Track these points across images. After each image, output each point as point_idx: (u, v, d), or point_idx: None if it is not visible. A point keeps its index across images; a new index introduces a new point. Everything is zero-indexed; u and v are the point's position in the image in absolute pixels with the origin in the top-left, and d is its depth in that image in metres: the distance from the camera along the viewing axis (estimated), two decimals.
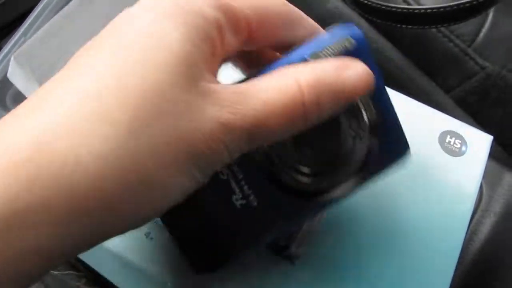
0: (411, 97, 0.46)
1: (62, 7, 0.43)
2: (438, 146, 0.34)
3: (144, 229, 0.30)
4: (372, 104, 0.26)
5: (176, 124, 0.19)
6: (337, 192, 0.27)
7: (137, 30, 0.21)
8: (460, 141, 0.35)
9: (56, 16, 0.43)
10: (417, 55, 0.52)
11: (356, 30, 0.25)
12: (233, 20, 0.22)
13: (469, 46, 0.51)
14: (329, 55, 0.24)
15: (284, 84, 0.21)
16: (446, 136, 0.35)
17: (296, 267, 0.30)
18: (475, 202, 0.44)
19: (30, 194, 0.17)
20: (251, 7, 0.23)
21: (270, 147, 0.25)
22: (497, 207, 0.45)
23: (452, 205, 0.33)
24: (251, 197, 0.25)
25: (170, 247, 0.30)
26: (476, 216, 0.45)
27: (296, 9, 0.25)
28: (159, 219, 0.29)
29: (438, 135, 0.35)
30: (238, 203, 0.25)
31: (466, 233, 0.34)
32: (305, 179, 0.26)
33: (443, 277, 0.31)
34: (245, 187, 0.25)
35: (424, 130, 0.35)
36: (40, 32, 0.43)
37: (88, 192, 0.18)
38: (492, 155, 0.35)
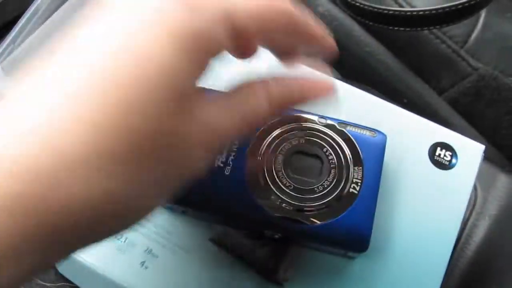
0: (404, 101, 0.46)
1: (50, 15, 0.42)
2: (427, 160, 0.34)
3: (139, 258, 0.31)
4: (361, 181, 0.30)
5: (170, 155, 0.19)
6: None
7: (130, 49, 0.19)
8: (450, 153, 0.34)
9: (45, 24, 0.42)
10: (409, 57, 0.52)
11: (383, 134, 0.32)
12: (234, 35, 0.22)
13: (461, 47, 0.50)
14: (354, 129, 0.31)
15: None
16: (437, 148, 0.35)
17: None
18: (470, 205, 0.44)
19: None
20: (255, 20, 0.22)
21: None
22: (492, 209, 0.45)
23: (440, 220, 0.33)
24: None
25: (165, 275, 0.30)
26: (471, 219, 0.45)
27: (302, 17, 0.24)
28: (153, 248, 0.31)
29: (428, 148, 0.35)
30: None
31: (461, 236, 0.34)
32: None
33: (433, 285, 0.31)
34: None
35: (414, 143, 0.35)
36: (28, 40, 0.42)
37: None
38: (486, 157, 0.35)
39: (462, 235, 0.44)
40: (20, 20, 0.44)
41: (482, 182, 0.46)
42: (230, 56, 0.37)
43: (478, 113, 0.52)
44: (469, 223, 0.45)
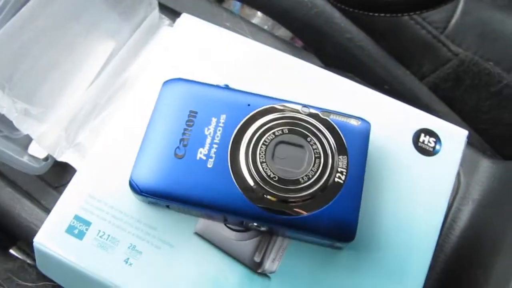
0: (385, 88, 0.46)
1: (20, 8, 0.41)
2: (412, 146, 0.34)
3: (123, 255, 0.30)
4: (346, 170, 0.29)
5: None
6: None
7: None
8: (434, 140, 0.34)
9: (15, 17, 0.40)
10: (390, 44, 0.52)
11: (367, 122, 0.31)
12: None
13: (441, 33, 0.50)
14: (338, 117, 0.30)
15: None
16: (420, 134, 0.34)
17: (273, 281, 0.30)
18: (453, 191, 0.44)
19: None
20: None
21: None
22: (475, 194, 0.46)
23: (425, 207, 0.33)
24: None
25: (150, 271, 0.30)
26: (455, 204, 0.45)
27: None
28: (136, 245, 0.30)
29: (412, 134, 0.34)
30: None
31: (445, 221, 0.34)
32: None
33: (419, 272, 0.31)
34: None
35: (398, 130, 0.34)
36: None
37: None
38: (468, 142, 0.35)
39: (447, 221, 0.44)
40: None
41: (464, 167, 0.47)
42: (209, 46, 0.36)
43: (458, 98, 0.52)
44: (453, 209, 0.45)
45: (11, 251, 0.51)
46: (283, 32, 0.73)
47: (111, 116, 0.44)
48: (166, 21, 0.49)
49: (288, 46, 0.54)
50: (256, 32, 0.53)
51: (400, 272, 0.31)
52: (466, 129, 0.35)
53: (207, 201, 0.28)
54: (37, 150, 0.45)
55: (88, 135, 0.44)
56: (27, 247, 0.50)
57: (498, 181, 0.46)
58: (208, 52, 0.36)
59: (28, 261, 0.47)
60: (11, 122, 0.43)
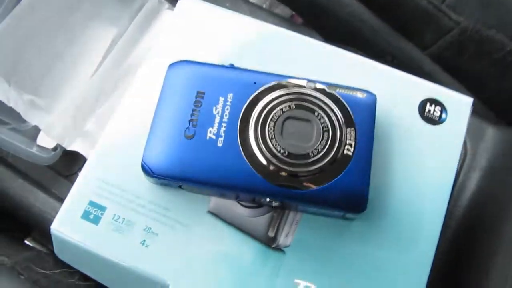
0: (388, 60, 0.46)
1: (17, 3, 0.41)
2: (418, 116, 0.34)
3: (139, 237, 0.31)
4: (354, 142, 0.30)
5: None
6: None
7: None
8: (440, 108, 0.34)
9: (16, 8, 0.41)
10: (391, 16, 0.51)
11: (373, 94, 0.31)
12: None
13: (442, 2, 0.50)
14: (344, 90, 0.31)
15: None
16: (426, 104, 0.35)
17: (288, 255, 0.30)
18: (460, 160, 0.44)
19: None
20: None
21: None
22: (482, 162, 0.46)
23: (434, 175, 0.33)
24: None
25: (166, 252, 0.30)
26: (462, 172, 0.45)
27: None
28: (152, 226, 0.31)
29: (417, 104, 0.34)
30: None
31: (453, 189, 0.34)
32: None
33: (430, 239, 0.32)
34: None
35: (404, 101, 0.35)
36: (1, 26, 0.41)
37: None
38: (472, 110, 0.36)
39: (455, 189, 0.44)
40: None
41: (470, 135, 0.47)
42: (212, 27, 0.36)
43: (462, 67, 0.52)
44: (461, 177, 0.45)
45: (26, 241, 0.52)
46: (281, 10, 0.73)
47: (117, 102, 0.44)
48: (166, 4, 0.49)
49: (288, 24, 0.54)
50: (255, 11, 0.53)
51: (412, 240, 0.31)
52: (470, 97, 0.36)
53: (219, 179, 0.29)
54: (45, 140, 0.45)
55: (96, 122, 0.44)
56: (42, 237, 0.51)
57: (504, 147, 0.46)
58: (210, 33, 0.36)
59: (44, 250, 0.48)
60: (18, 114, 0.43)
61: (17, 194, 0.45)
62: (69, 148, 0.44)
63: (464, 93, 0.36)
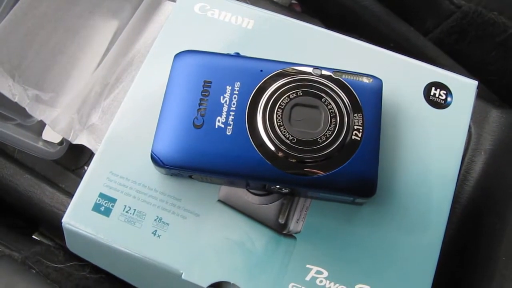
0: (391, 45, 0.46)
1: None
2: (423, 100, 0.34)
3: (150, 228, 0.31)
4: (362, 127, 0.30)
5: None
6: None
7: None
8: (445, 92, 0.35)
9: (18, 4, 0.40)
10: (392, 1, 0.51)
11: (379, 79, 0.31)
12: None
13: None
14: (350, 76, 0.31)
15: None
16: (431, 88, 0.35)
17: (299, 241, 0.31)
18: (465, 143, 0.44)
19: None
20: None
21: None
22: (486, 144, 0.46)
23: (440, 159, 0.33)
24: None
25: (178, 241, 0.31)
26: (468, 156, 0.46)
27: None
28: (163, 217, 0.31)
29: (422, 88, 0.35)
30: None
31: (459, 173, 0.35)
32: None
33: (439, 222, 0.32)
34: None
35: (409, 85, 0.35)
36: (3, 22, 0.41)
37: None
38: (477, 94, 0.36)
39: (460, 172, 0.45)
40: None
41: (474, 118, 0.47)
42: (215, 17, 0.36)
43: (464, 51, 0.52)
44: (466, 160, 0.46)
45: (34, 236, 0.52)
46: None
47: (122, 95, 0.44)
48: None
49: (289, 12, 0.54)
50: (255, 0, 0.52)
51: (421, 222, 0.32)
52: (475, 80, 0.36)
53: (228, 167, 0.29)
54: (51, 135, 0.45)
55: (101, 115, 0.44)
56: (50, 232, 0.51)
57: (509, 130, 0.47)
58: (213, 22, 0.36)
59: (53, 244, 0.48)
60: (23, 109, 0.43)
61: (24, 189, 0.45)
62: (75, 142, 0.44)
63: (467, 76, 0.36)
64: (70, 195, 0.44)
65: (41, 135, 0.45)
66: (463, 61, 0.52)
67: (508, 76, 0.52)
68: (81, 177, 0.46)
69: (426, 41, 0.52)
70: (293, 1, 0.67)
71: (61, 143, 0.45)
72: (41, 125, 0.45)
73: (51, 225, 0.45)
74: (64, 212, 0.31)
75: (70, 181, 0.46)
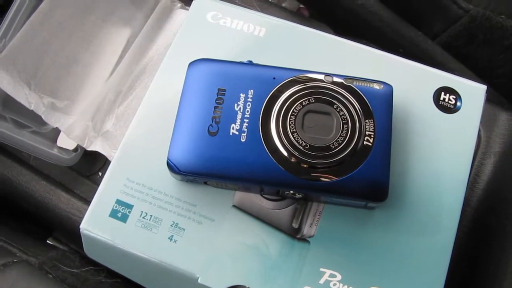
0: (400, 51, 0.46)
1: (38, 5, 0.42)
2: (433, 105, 0.35)
3: (167, 233, 0.32)
4: (373, 133, 0.30)
5: None
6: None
7: None
8: (454, 97, 0.35)
9: (34, 14, 0.41)
10: (400, 6, 0.52)
11: (389, 85, 0.32)
12: None
13: None
14: (361, 83, 0.31)
15: None
16: (441, 93, 0.35)
17: (312, 245, 0.31)
18: (475, 146, 0.45)
19: None
20: None
21: None
22: (496, 147, 0.46)
23: (451, 163, 0.34)
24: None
25: (194, 246, 0.31)
26: (477, 159, 0.46)
27: None
28: (179, 222, 0.32)
29: (432, 93, 0.35)
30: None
31: (469, 176, 0.35)
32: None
33: (450, 225, 0.32)
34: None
35: (418, 90, 0.35)
36: (20, 32, 0.42)
37: None
38: (486, 97, 0.36)
39: (470, 175, 0.45)
40: (8, 12, 0.43)
41: (483, 121, 0.47)
42: (228, 25, 0.37)
43: (472, 54, 0.52)
44: (476, 163, 0.46)
45: (48, 241, 0.53)
46: (288, 4, 0.73)
47: (135, 102, 0.45)
48: (178, 3, 0.50)
49: (297, 17, 0.55)
50: (264, 6, 0.53)
51: (433, 225, 0.32)
52: (483, 85, 0.36)
53: (243, 174, 0.30)
54: (66, 142, 0.46)
55: (115, 122, 0.45)
56: (65, 237, 0.52)
57: None
58: (225, 30, 0.37)
59: (68, 249, 0.49)
60: (38, 117, 0.44)
61: (40, 195, 0.46)
62: (89, 149, 0.45)
63: (475, 80, 0.36)
64: (85, 201, 0.45)
65: (56, 142, 0.46)
66: (471, 64, 0.52)
67: None
68: (95, 183, 0.47)
69: (435, 45, 0.52)
70: (301, 6, 0.68)
71: (75, 149, 0.46)
72: (56, 132, 0.46)
73: (67, 231, 0.46)
74: (80, 217, 0.32)
75: (85, 187, 0.47)
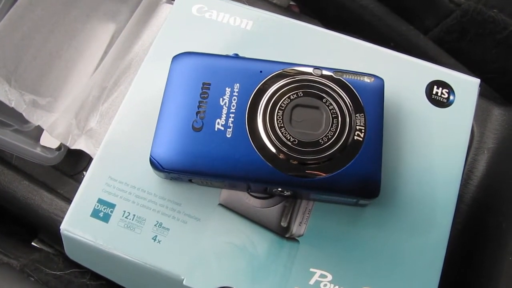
0: (391, 45, 0.46)
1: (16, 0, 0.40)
2: (425, 99, 0.34)
3: (150, 233, 0.30)
4: (364, 128, 0.29)
5: None
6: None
7: None
8: (447, 91, 0.34)
9: (13, 7, 0.40)
10: (392, 0, 0.51)
11: (380, 78, 0.31)
12: None
13: None
14: (351, 76, 0.30)
15: None
16: (433, 87, 0.34)
17: (302, 244, 0.30)
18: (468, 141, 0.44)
19: None
20: None
21: None
22: (489, 142, 0.46)
23: (444, 158, 0.33)
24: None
25: (179, 246, 0.30)
26: (471, 155, 0.45)
27: None
28: (163, 222, 0.30)
29: (424, 87, 0.34)
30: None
31: (463, 172, 0.34)
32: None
33: (443, 223, 0.31)
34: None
35: (411, 84, 0.34)
36: None
37: None
38: (479, 92, 0.35)
39: (464, 172, 0.44)
40: None
41: (476, 117, 0.46)
42: (213, 18, 0.36)
43: (464, 49, 0.52)
44: (469, 159, 0.45)
45: (33, 243, 0.51)
46: (278, 0, 0.73)
47: (120, 99, 0.44)
48: None
49: (287, 13, 0.54)
50: (253, 1, 0.52)
51: (426, 223, 0.31)
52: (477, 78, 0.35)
53: (229, 171, 0.28)
54: (49, 140, 0.45)
55: (99, 120, 0.44)
56: (49, 238, 0.51)
57: (511, 127, 0.46)
58: (211, 24, 0.36)
59: (52, 251, 0.47)
60: (20, 115, 0.43)
61: (23, 196, 0.44)
62: (73, 147, 0.44)
63: (468, 74, 0.36)
64: (69, 201, 0.44)
65: (39, 140, 0.45)
66: (463, 59, 0.52)
67: (509, 74, 0.52)
68: (79, 182, 0.46)
69: (427, 40, 0.51)
70: (291, 3, 0.67)
71: (59, 148, 0.45)
72: (39, 130, 0.45)
73: (50, 232, 0.45)
74: (63, 218, 0.31)
75: (69, 187, 0.45)
